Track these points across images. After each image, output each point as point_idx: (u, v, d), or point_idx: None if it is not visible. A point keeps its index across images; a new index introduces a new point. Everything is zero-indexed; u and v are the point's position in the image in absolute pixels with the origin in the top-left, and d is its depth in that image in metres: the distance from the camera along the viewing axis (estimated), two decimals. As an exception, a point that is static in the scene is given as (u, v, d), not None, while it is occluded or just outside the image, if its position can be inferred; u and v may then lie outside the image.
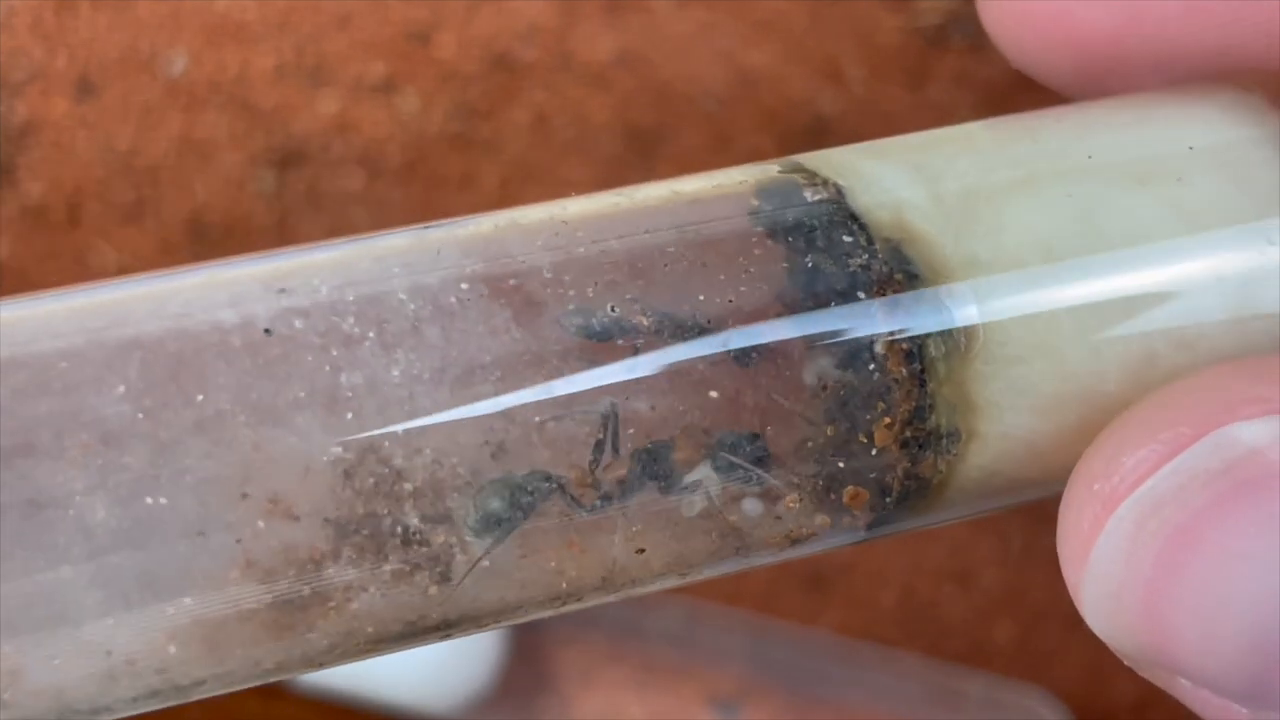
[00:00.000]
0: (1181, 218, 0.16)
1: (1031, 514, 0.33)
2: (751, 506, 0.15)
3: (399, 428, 0.14)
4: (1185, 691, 0.15)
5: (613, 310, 0.15)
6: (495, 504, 0.14)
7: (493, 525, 0.14)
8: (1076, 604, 0.16)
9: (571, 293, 0.15)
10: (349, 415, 0.14)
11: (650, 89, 0.29)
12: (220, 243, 0.29)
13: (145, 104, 0.28)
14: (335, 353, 0.14)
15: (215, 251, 0.29)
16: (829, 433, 0.15)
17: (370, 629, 0.14)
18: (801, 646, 0.32)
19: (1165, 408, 0.15)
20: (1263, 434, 0.14)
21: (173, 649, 0.14)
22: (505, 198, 0.29)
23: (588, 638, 0.31)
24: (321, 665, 0.14)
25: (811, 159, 0.16)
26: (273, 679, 0.14)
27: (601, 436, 0.14)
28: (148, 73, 0.28)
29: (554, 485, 0.14)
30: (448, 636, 0.15)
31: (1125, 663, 0.16)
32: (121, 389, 0.13)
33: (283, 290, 0.14)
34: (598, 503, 0.15)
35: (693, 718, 0.30)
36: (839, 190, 0.16)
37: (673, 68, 0.29)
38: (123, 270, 0.28)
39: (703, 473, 0.15)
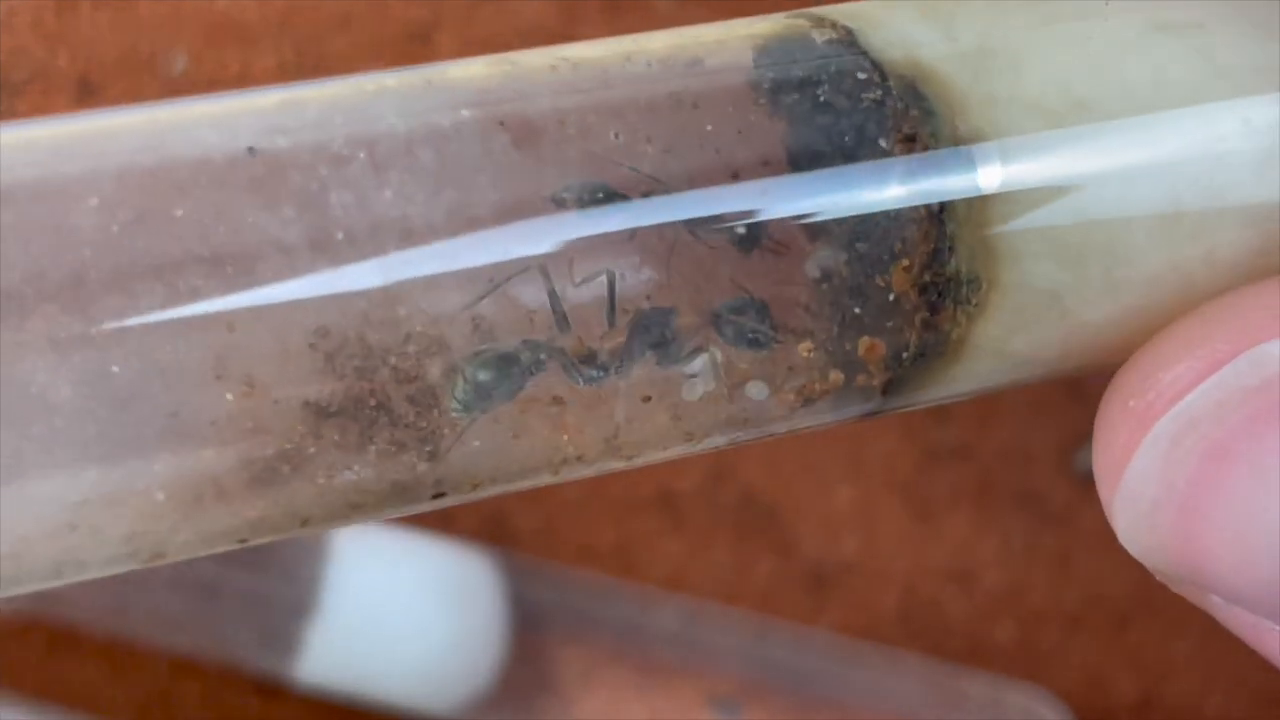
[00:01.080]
0: (1205, 62, 0.15)
1: (1033, 514, 0.33)
2: (761, 361, 0.15)
3: (391, 255, 0.13)
4: (1219, 609, 0.15)
5: (614, 158, 0.14)
6: (484, 376, 0.14)
7: (482, 399, 0.14)
8: (1110, 521, 0.15)
9: (571, 131, 0.14)
10: (339, 235, 0.13)
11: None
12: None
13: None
14: (324, 171, 0.13)
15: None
16: (844, 273, 0.14)
17: (355, 500, 0.14)
18: (802, 646, 0.32)
19: (1203, 324, 0.15)
20: None
21: (141, 523, 0.13)
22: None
23: (588, 638, 0.31)
24: (298, 533, 0.14)
25: (820, 10, 0.16)
26: (242, 546, 0.14)
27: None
28: (148, 72, 0.28)
29: (547, 356, 0.14)
30: (440, 504, 0.14)
31: (1158, 579, 0.15)
32: (95, 201, 0.13)
33: (269, 113, 0.14)
34: (595, 373, 0.14)
35: (693, 718, 0.30)
36: (849, 31, 0.15)
37: (673, 68, 0.29)
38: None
39: (707, 335, 0.14)
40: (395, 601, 0.29)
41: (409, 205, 0.13)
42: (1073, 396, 0.34)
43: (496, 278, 0.14)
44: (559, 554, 0.32)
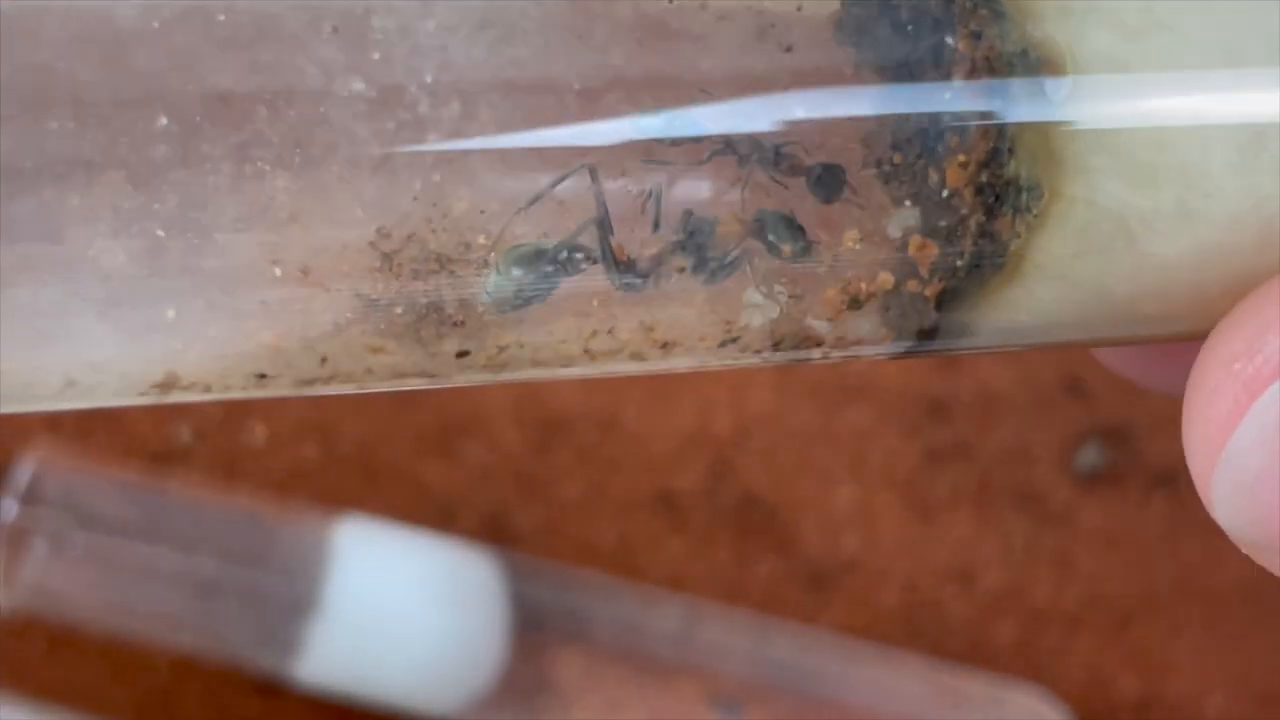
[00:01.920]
0: None
1: (1033, 514, 0.33)
2: (805, 259, 0.14)
3: (428, 77, 0.13)
4: None
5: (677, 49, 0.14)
6: (518, 270, 0.14)
7: (516, 296, 0.14)
8: (1201, 491, 0.14)
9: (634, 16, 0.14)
10: (375, 55, 0.13)
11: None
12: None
13: (146, 104, 0.28)
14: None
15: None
16: (895, 159, 0.14)
17: (386, 370, 0.14)
18: (802, 646, 0.32)
19: None
20: None
21: (171, 364, 0.13)
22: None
23: (588, 638, 0.31)
24: (315, 378, 0.14)
25: None
26: (259, 385, 0.14)
27: (644, 211, 0.14)
28: (148, 72, 0.28)
29: (585, 257, 0.14)
30: (464, 366, 0.14)
31: (1252, 555, 0.15)
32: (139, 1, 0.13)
33: None
34: (635, 280, 0.14)
35: (693, 718, 0.30)
36: None
37: (673, 67, 0.29)
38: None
39: (748, 243, 0.14)
40: (395, 601, 0.29)
41: (451, 37, 0.13)
42: (1073, 396, 0.34)
43: (551, 178, 0.13)
44: (559, 554, 0.32)
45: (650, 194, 0.14)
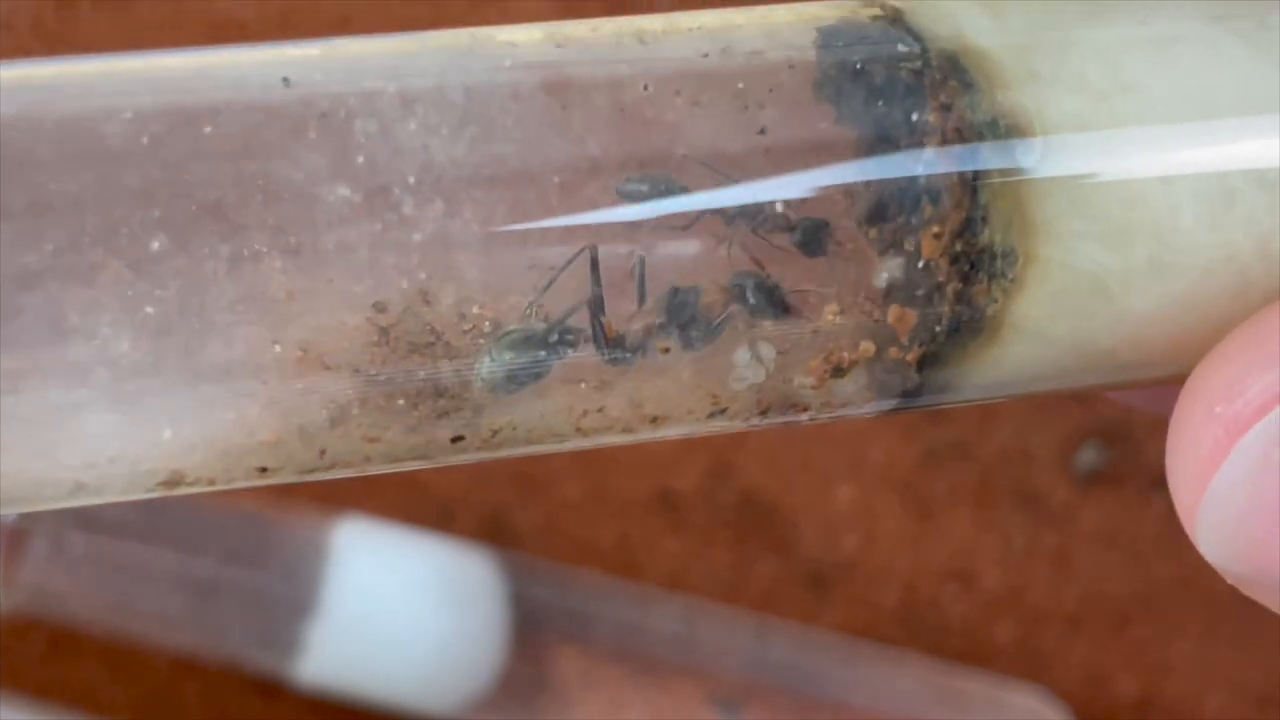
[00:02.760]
0: (1263, 54, 0.15)
1: (1033, 514, 0.33)
2: (788, 330, 0.14)
3: (411, 178, 0.14)
4: None
5: (656, 140, 0.14)
6: (510, 355, 0.14)
7: (510, 381, 0.14)
8: (1188, 529, 0.15)
9: (611, 101, 0.14)
10: (360, 159, 0.14)
11: (651, 89, 0.29)
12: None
13: (146, 104, 0.28)
14: (352, 102, 0.14)
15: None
16: (871, 235, 0.14)
17: (383, 457, 0.14)
18: (802, 646, 0.32)
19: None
20: None
21: (176, 463, 0.14)
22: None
23: (588, 638, 0.31)
24: (319, 478, 0.14)
25: None
26: (261, 478, 0.14)
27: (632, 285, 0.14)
28: (148, 72, 0.28)
29: (575, 337, 0.14)
30: (459, 450, 0.14)
31: (1239, 588, 0.15)
32: (129, 115, 0.13)
33: (305, 45, 0.14)
34: (624, 355, 0.14)
35: (693, 718, 0.30)
36: (898, 10, 0.15)
37: (673, 67, 0.29)
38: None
39: (732, 310, 0.14)
40: (395, 601, 0.29)
41: (434, 148, 0.14)
42: (1073, 396, 0.34)
43: (553, 265, 0.14)
44: (559, 554, 0.32)
45: (634, 266, 0.14)
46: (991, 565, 0.33)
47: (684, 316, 0.14)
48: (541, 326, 0.14)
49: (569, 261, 0.14)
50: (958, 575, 0.33)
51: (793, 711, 0.31)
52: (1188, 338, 0.15)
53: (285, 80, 0.14)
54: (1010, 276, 0.14)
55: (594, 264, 0.14)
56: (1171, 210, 0.15)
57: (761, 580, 0.33)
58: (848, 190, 0.14)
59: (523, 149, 0.14)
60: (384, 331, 0.14)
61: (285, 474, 0.14)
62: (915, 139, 0.14)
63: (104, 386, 0.13)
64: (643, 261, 0.14)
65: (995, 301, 0.15)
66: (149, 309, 0.13)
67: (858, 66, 0.14)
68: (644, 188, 0.14)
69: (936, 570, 0.33)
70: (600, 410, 0.14)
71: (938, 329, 0.15)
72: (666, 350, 0.14)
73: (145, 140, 0.13)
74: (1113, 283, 0.15)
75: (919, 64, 0.14)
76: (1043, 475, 0.33)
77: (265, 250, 0.13)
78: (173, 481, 0.14)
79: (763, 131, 0.14)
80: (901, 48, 0.14)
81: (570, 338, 0.14)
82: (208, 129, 0.13)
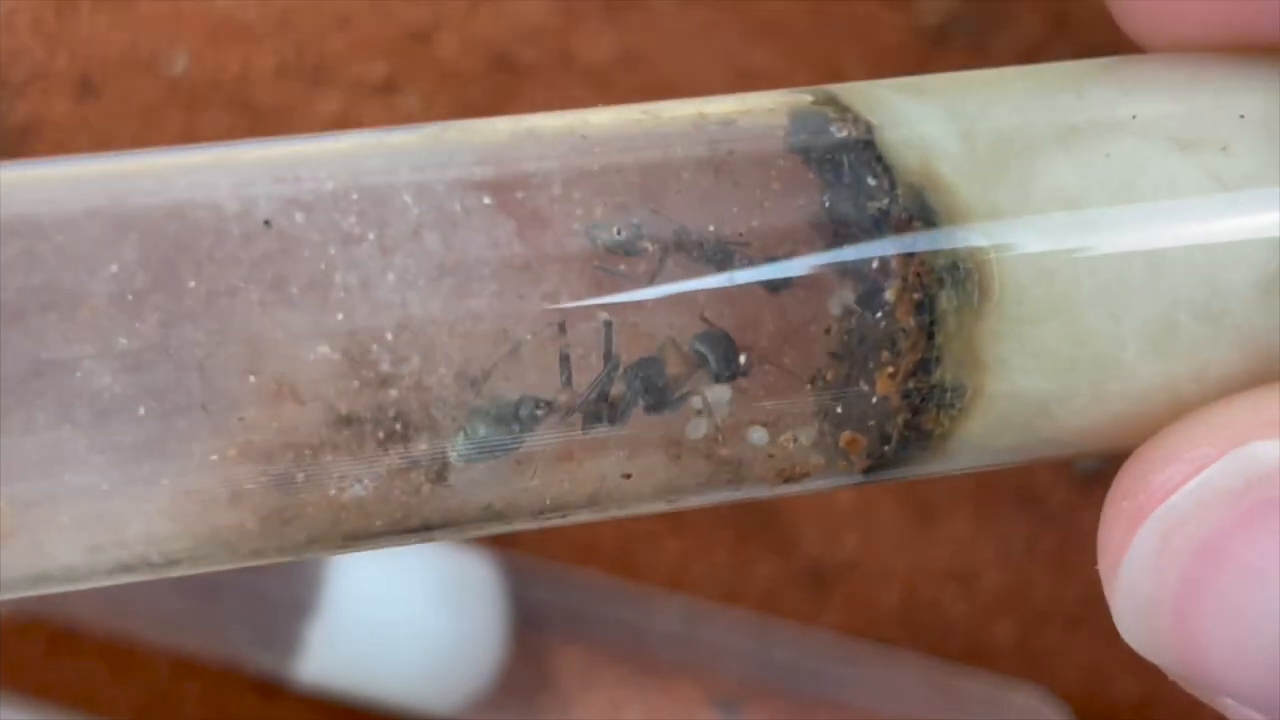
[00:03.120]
0: (1220, 188, 0.15)
1: (1033, 514, 0.33)
2: (745, 437, 0.15)
3: (388, 333, 0.14)
4: (1231, 710, 0.15)
5: (619, 233, 0.14)
6: (484, 430, 0.14)
7: (484, 453, 0.14)
8: (1114, 619, 0.16)
9: (579, 211, 0.15)
10: (339, 315, 0.14)
11: (651, 89, 0.29)
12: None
13: (146, 104, 0.28)
14: (333, 251, 0.14)
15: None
16: (829, 376, 0.15)
17: (357, 522, 0.14)
18: (802, 646, 0.32)
19: (1193, 428, 0.15)
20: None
21: (161, 522, 0.14)
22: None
23: (588, 638, 0.31)
24: (298, 556, 0.15)
25: (847, 90, 0.16)
26: (249, 564, 0.15)
27: (598, 355, 0.14)
28: (149, 73, 0.28)
29: (545, 408, 0.14)
30: (428, 539, 0.15)
31: (1170, 677, 0.16)
32: (115, 268, 0.13)
33: (288, 179, 0.14)
34: (591, 424, 0.14)
35: (693, 718, 0.30)
36: (868, 128, 0.15)
37: (673, 68, 0.29)
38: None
39: (696, 392, 0.15)
40: (395, 601, 0.29)
41: (410, 290, 0.14)
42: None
43: (515, 333, 0.14)
44: (559, 554, 0.32)
45: (604, 333, 0.14)
46: (991, 565, 0.33)
47: (650, 379, 0.15)
48: (514, 397, 0.14)
49: (517, 342, 0.14)
50: (958, 575, 0.33)
51: (793, 711, 0.31)
52: (1123, 445, 0.16)
53: (266, 223, 0.14)
54: (959, 407, 0.15)
55: (608, 336, 0.14)
56: (1117, 345, 0.15)
57: (761, 580, 0.33)
58: (802, 325, 0.15)
59: (497, 304, 0.14)
60: (350, 434, 0.14)
61: (272, 555, 0.14)
62: (876, 285, 0.15)
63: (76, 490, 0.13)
64: (610, 328, 0.14)
65: (942, 426, 0.15)
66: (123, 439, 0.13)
67: (825, 203, 0.15)
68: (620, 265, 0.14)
69: (936, 570, 0.33)
70: (572, 482, 0.15)
71: (886, 448, 0.15)
72: (614, 416, 0.15)
73: (130, 298, 0.13)
74: (1055, 407, 0.16)
75: (885, 201, 0.15)
76: (1043, 475, 0.33)
77: (239, 394, 0.14)
78: (164, 565, 0.14)
79: (730, 278, 0.15)
80: (870, 180, 0.15)
81: (540, 410, 0.14)
82: (192, 284, 0.14)
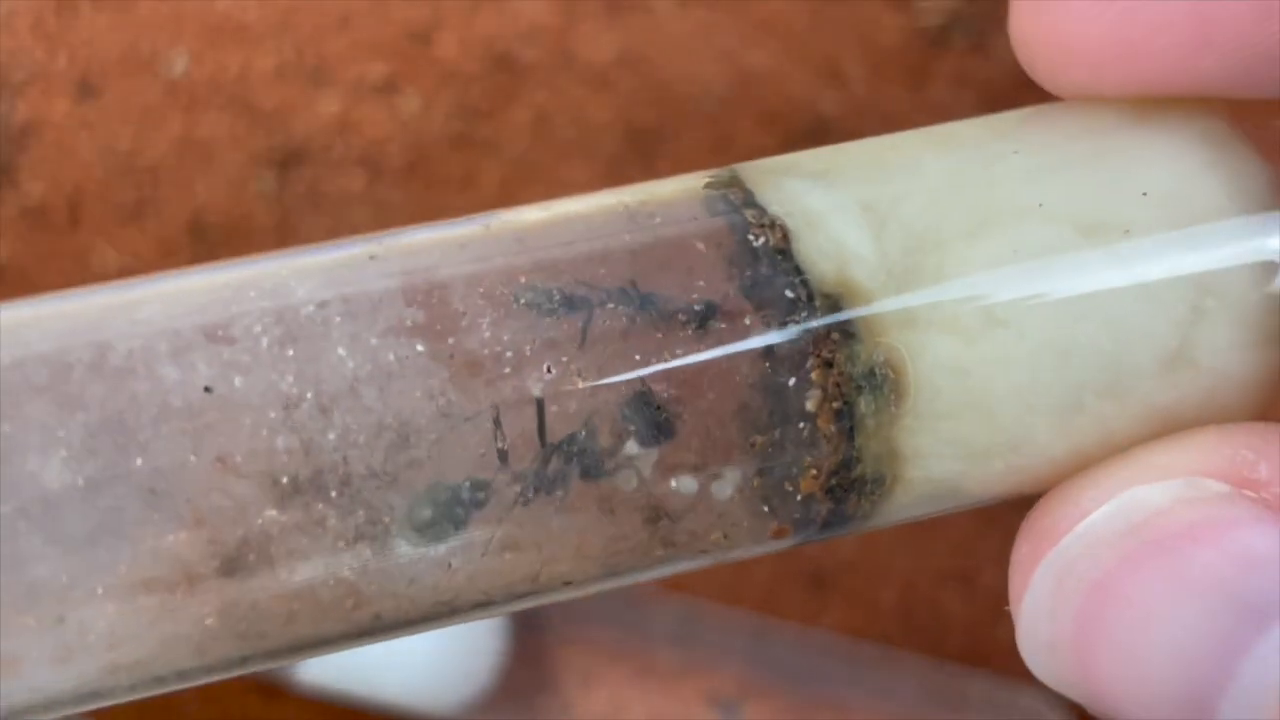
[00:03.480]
0: (1123, 272, 0.16)
1: (1032, 514, 0.33)
2: (679, 524, 0.16)
3: (333, 491, 0.14)
4: None
5: (549, 370, 0.15)
6: (428, 513, 0.15)
7: (434, 535, 0.15)
8: (1022, 656, 0.17)
9: (506, 337, 0.15)
10: (284, 479, 0.14)
11: (651, 89, 0.29)
12: (221, 243, 0.29)
13: (146, 104, 0.28)
14: (273, 415, 0.14)
15: (216, 253, 0.29)
16: (755, 484, 0.16)
17: (310, 633, 0.15)
18: (802, 646, 0.32)
19: (1085, 479, 0.16)
20: (1162, 496, 0.15)
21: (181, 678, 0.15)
22: (506, 198, 0.29)
23: (588, 638, 0.31)
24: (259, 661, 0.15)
25: (762, 179, 0.16)
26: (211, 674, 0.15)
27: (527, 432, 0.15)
28: (148, 73, 0.28)
29: (487, 490, 0.15)
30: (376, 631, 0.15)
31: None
32: (64, 453, 0.14)
33: (224, 340, 0.15)
34: (532, 497, 0.15)
35: (693, 718, 0.30)
36: (785, 235, 0.16)
37: (674, 67, 0.29)
38: (124, 273, 0.28)
39: (629, 466, 0.15)
40: (395, 601, 0.29)
41: (351, 449, 0.15)
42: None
43: (453, 415, 0.15)
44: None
45: (538, 414, 0.15)
46: (991, 565, 0.33)
47: (584, 449, 0.15)
48: (456, 481, 0.15)
49: (453, 422, 0.15)
50: (958, 575, 0.33)
51: (793, 711, 0.31)
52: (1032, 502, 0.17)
53: (207, 389, 0.14)
54: (878, 494, 0.16)
55: (495, 422, 0.15)
56: (1028, 428, 0.16)
57: (761, 580, 0.33)
58: (726, 439, 0.15)
59: (437, 457, 0.15)
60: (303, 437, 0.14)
61: (259, 665, 0.15)
62: (797, 396, 0.15)
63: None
64: (542, 406, 0.15)
65: (863, 509, 0.16)
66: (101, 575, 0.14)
67: (745, 323, 0.15)
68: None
69: (936, 570, 0.33)
70: (511, 551, 0.15)
71: (809, 530, 0.16)
72: (552, 487, 0.15)
73: (81, 482, 0.14)
74: (970, 483, 0.16)
75: (804, 314, 0.15)
76: (1042, 475, 0.33)
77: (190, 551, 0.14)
78: (164, 681, 0.15)
79: (642, 386, 0.15)
80: (789, 294, 0.15)
81: (480, 495, 0.15)
82: (139, 462, 0.14)
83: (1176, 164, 0.17)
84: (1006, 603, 0.17)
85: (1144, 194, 0.16)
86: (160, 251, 0.29)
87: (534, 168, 0.29)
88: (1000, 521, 0.33)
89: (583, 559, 0.16)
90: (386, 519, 0.14)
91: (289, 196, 0.29)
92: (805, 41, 0.29)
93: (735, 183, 0.16)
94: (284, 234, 0.29)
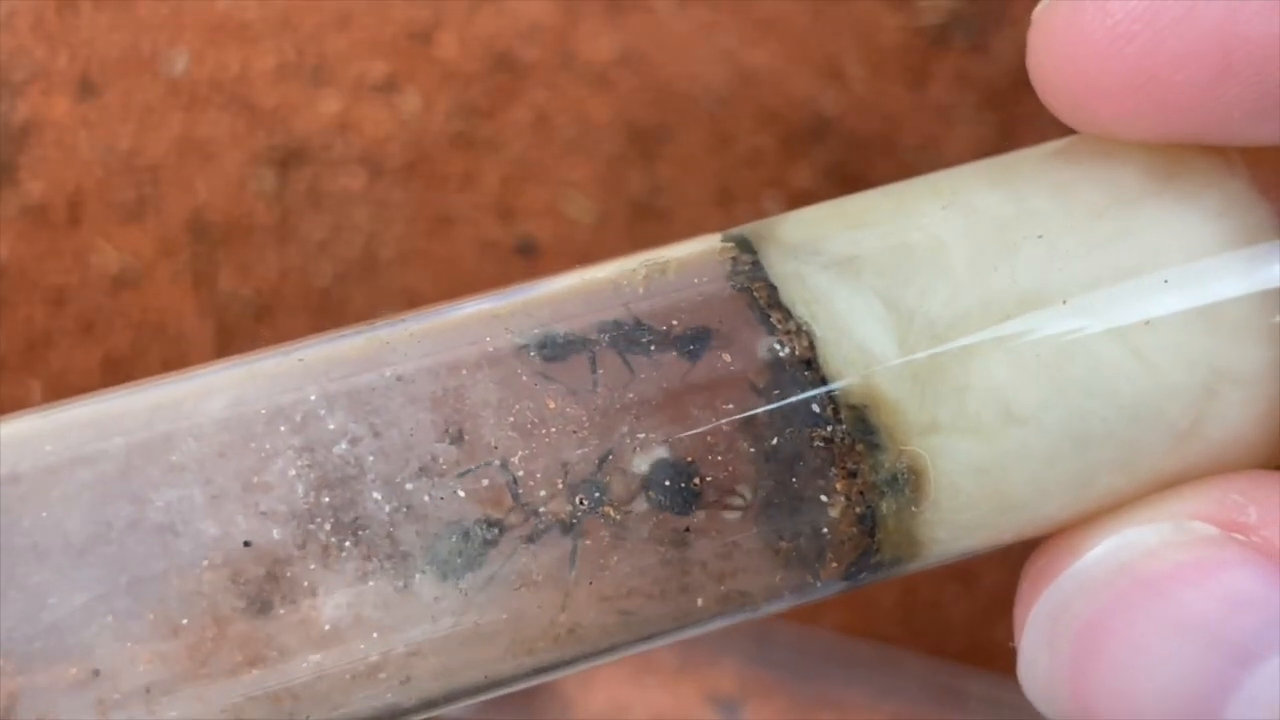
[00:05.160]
0: (1141, 363, 0.16)
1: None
2: (698, 510, 0.16)
3: (313, 606, 0.15)
4: None
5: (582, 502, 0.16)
6: (442, 550, 0.15)
7: (452, 571, 0.15)
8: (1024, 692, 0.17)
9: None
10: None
11: (651, 88, 0.29)
12: (221, 242, 0.29)
13: (146, 103, 0.28)
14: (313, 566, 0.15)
15: (215, 251, 0.29)
16: (778, 579, 0.16)
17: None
18: (802, 646, 0.32)
19: (1084, 526, 0.17)
20: (1153, 538, 0.16)
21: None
22: (506, 196, 0.29)
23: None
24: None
25: (785, 274, 0.16)
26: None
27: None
28: (149, 72, 0.28)
29: (501, 530, 0.15)
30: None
31: None
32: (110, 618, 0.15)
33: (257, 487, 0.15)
34: (546, 539, 0.15)
35: (693, 717, 0.30)
36: (810, 344, 0.16)
37: (674, 67, 0.29)
38: (125, 271, 0.28)
39: (649, 498, 0.16)
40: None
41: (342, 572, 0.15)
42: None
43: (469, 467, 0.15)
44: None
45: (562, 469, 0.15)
46: (991, 565, 0.33)
47: (593, 501, 0.16)
48: (470, 520, 0.15)
49: (469, 470, 0.15)
50: (958, 575, 0.33)
51: (793, 711, 0.31)
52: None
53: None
54: (894, 570, 0.17)
55: (506, 470, 0.15)
56: (1042, 508, 0.17)
57: (762, 580, 0.33)
58: (757, 543, 0.16)
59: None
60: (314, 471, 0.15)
61: None
62: (821, 509, 0.16)
63: None
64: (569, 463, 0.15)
65: (876, 579, 0.17)
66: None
67: (773, 442, 0.16)
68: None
69: (937, 570, 0.33)
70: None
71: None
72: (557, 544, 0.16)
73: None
74: (981, 550, 0.17)
75: (829, 429, 0.16)
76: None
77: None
78: None
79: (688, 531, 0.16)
80: (815, 408, 0.16)
81: (494, 534, 0.15)
82: (112, 523, 0.15)
83: (1197, 243, 0.17)
84: (1006, 603, 0.18)
85: (1165, 281, 0.16)
86: (160, 250, 0.29)
87: (534, 167, 0.29)
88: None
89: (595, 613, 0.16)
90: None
91: (289, 195, 0.29)
92: (805, 41, 0.29)
93: (760, 278, 0.16)
94: (284, 233, 0.29)
